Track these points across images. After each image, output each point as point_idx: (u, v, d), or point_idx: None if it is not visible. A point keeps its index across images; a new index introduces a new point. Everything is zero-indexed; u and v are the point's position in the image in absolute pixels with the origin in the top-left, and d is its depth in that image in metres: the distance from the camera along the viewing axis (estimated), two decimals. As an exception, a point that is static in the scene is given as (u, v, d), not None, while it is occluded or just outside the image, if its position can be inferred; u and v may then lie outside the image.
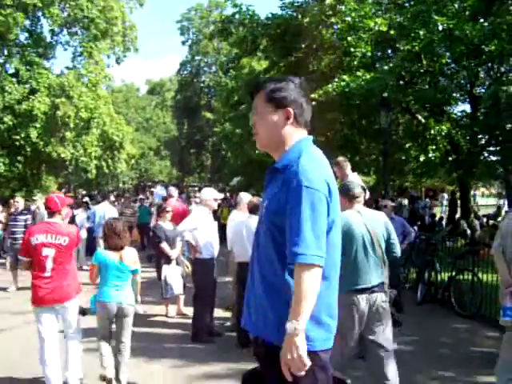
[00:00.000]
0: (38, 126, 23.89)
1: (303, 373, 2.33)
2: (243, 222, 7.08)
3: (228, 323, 7.94)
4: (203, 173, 57.96)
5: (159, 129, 63.15)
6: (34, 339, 5.48)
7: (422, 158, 14.48)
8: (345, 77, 13.27)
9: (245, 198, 7.80)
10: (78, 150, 26.22)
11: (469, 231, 16.34)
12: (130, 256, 5.56)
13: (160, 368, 6.16)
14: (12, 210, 12.49)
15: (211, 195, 7.53)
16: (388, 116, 13.76)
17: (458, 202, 19.20)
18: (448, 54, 13.54)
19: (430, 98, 14.20)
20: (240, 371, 3.24)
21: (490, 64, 14.79)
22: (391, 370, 4.80)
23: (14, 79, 24.73)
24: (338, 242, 2.59)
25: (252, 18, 15.92)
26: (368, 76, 12.96)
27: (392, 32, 13.62)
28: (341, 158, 7.48)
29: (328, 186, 2.47)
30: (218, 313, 8.04)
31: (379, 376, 4.78)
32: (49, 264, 5.26)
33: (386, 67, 13.29)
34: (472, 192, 36.10)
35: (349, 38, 14.03)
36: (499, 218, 18.34)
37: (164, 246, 8.42)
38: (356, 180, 7.41)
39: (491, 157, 16.02)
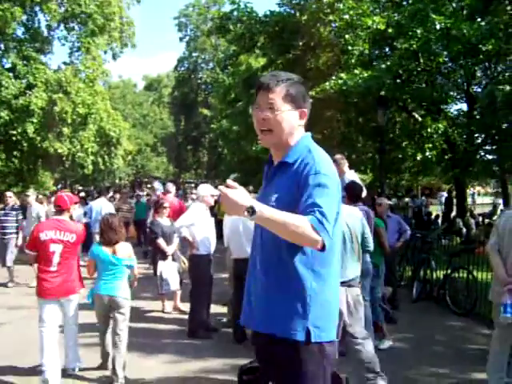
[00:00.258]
0: (34, 121, 23.86)
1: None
2: (240, 219, 7.09)
3: (224, 319, 7.97)
4: (200, 169, 57.96)
5: (156, 125, 63.08)
6: (33, 333, 5.53)
7: (418, 157, 14.53)
8: (342, 75, 13.30)
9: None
10: (75, 146, 26.20)
11: (464, 230, 16.41)
12: (124, 250, 5.68)
13: (156, 363, 6.19)
14: (3, 205, 12.47)
15: (208, 191, 7.55)
16: (385, 114, 13.81)
17: (454, 200, 19.27)
18: (445, 52, 13.58)
19: (426, 97, 14.26)
20: (236, 366, 3.29)
21: (486, 63, 14.85)
22: (369, 353, 5.08)
23: (10, 74, 24.66)
24: (337, 237, 2.59)
25: (250, 15, 15.93)
26: (365, 74, 12.99)
27: (390, 30, 13.65)
28: (338, 156, 7.51)
29: (338, 181, 2.54)
30: (215, 309, 8.07)
31: (357, 363, 5.07)
32: (55, 259, 5.49)
33: (383, 65, 13.28)
34: (471, 191, 36.23)
35: (346, 36, 14.06)
36: (495, 217, 18.38)
37: (160, 241, 8.44)
38: (353, 177, 7.46)
39: (487, 156, 16.08)
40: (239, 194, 2.31)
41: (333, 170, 2.53)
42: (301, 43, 15.66)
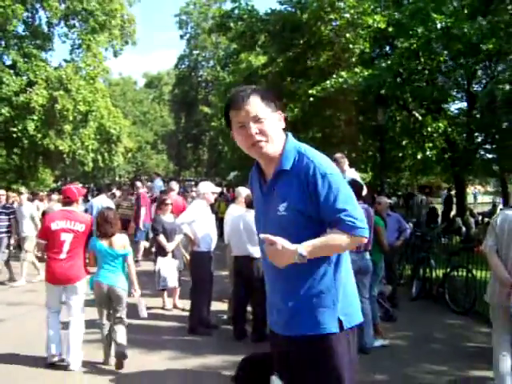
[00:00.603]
0: (35, 118, 23.85)
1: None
2: (241, 216, 7.14)
3: (224, 316, 8.00)
4: (200, 167, 57.98)
5: (156, 122, 63.08)
6: (35, 327, 5.57)
7: (419, 156, 14.56)
8: (343, 73, 13.33)
9: (243, 192, 7.85)
10: (76, 143, 26.20)
11: (464, 228, 16.43)
12: (119, 241, 5.95)
13: (157, 360, 6.22)
14: None
15: (208, 189, 7.59)
16: (385, 113, 13.86)
17: (454, 199, 19.27)
18: (446, 51, 13.61)
19: (427, 96, 14.28)
20: (236, 363, 3.30)
21: (487, 62, 14.86)
22: None
23: (11, 71, 24.65)
24: None
25: (251, 13, 15.95)
26: (366, 73, 13.01)
27: (390, 29, 13.68)
28: (338, 155, 7.54)
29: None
30: (215, 306, 8.10)
31: None
32: (65, 247, 5.86)
33: (383, 64, 13.31)
34: (473, 190, 36.22)
35: (347, 35, 14.09)
36: (494, 216, 18.38)
37: (161, 238, 8.46)
38: (354, 176, 7.50)
39: (487, 155, 16.11)
40: (284, 247, 2.44)
41: (332, 164, 2.60)
42: (301, 41, 15.67)
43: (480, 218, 20.54)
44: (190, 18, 51.86)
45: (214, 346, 6.67)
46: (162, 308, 8.65)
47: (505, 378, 4.76)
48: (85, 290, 6.07)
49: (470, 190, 33.32)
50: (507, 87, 13.53)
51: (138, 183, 15.69)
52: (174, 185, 12.47)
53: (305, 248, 2.43)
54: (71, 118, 24.69)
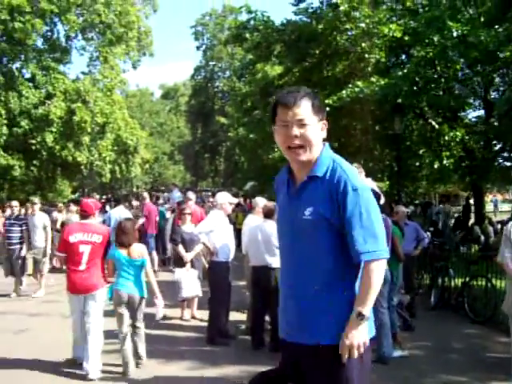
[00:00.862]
0: (53, 130, 24.15)
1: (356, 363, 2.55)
2: (258, 227, 7.15)
3: (243, 326, 8.00)
4: (217, 177, 58.14)
5: (173, 133, 63.43)
6: (54, 338, 5.62)
7: (436, 165, 14.48)
8: (359, 83, 13.31)
9: (260, 202, 7.87)
10: (93, 155, 26.44)
11: (482, 237, 16.29)
12: (137, 250, 6.17)
13: (175, 370, 6.24)
14: (8, 213, 12.26)
15: (226, 199, 7.62)
16: (402, 122, 13.81)
17: (472, 208, 19.12)
18: (462, 59, 13.54)
19: (443, 104, 14.21)
20: (254, 373, 3.30)
21: (504, 70, 14.75)
22: None
23: (30, 84, 25.02)
24: None
25: (266, 23, 15.99)
26: (382, 82, 12.98)
27: (406, 38, 13.65)
28: (355, 165, 7.49)
29: None
30: (233, 316, 8.11)
31: None
32: (84, 259, 6.05)
33: (399, 73, 13.28)
34: (493, 198, 35.83)
35: (363, 44, 14.06)
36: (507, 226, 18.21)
37: (180, 248, 8.49)
38: (371, 186, 7.47)
39: (505, 163, 15.98)
40: (356, 335, 2.50)
41: (360, 179, 2.64)
42: (317, 51, 15.67)
43: (499, 226, 20.35)
44: (206, 29, 52.23)
45: (233, 356, 6.67)
46: (180, 318, 8.66)
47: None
48: (104, 298, 6.21)
49: (488, 197, 33.02)
50: (525, 94, 13.45)
51: (145, 194, 15.75)
52: (191, 195, 12.52)
53: (359, 310, 2.50)
54: (89, 130, 24.98)
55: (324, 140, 2.74)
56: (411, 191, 22.92)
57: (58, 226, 15.06)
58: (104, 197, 37.84)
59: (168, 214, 15.64)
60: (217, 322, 7.31)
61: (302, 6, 15.90)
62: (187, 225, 8.82)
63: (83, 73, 28.29)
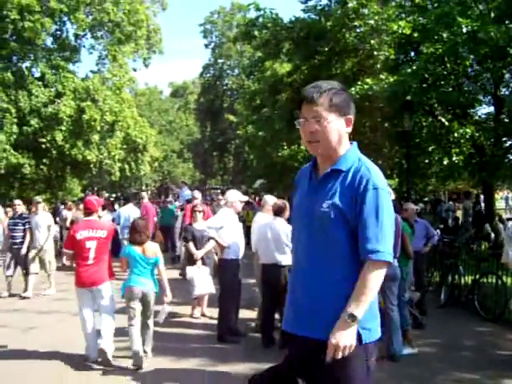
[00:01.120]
0: (63, 128, 24.23)
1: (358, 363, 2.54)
2: (268, 224, 7.16)
3: (253, 324, 8.02)
4: (226, 175, 58.19)
5: (182, 131, 63.45)
6: (65, 335, 5.66)
7: (445, 162, 14.42)
8: (368, 80, 13.29)
9: (270, 200, 7.88)
10: (103, 153, 26.52)
11: (493, 234, 16.21)
12: (151, 249, 6.44)
13: (186, 367, 6.26)
14: (12, 213, 12.10)
15: (237, 197, 7.62)
16: (411, 119, 13.76)
17: (482, 205, 19.01)
18: (472, 56, 13.47)
19: (453, 101, 14.13)
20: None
21: (515, 66, 14.66)
22: None
23: (40, 83, 25.10)
24: None
25: (275, 21, 15.97)
26: (391, 79, 12.95)
27: (415, 35, 13.59)
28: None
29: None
30: (243, 313, 8.12)
31: None
32: (91, 254, 6.35)
33: (409, 70, 13.21)
34: (505, 194, 35.59)
35: (372, 41, 14.02)
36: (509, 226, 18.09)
37: (190, 245, 8.54)
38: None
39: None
40: (344, 336, 2.47)
41: (384, 180, 2.65)
42: (326, 49, 15.64)
43: (510, 223, 20.21)
44: (215, 27, 52.22)
45: (243, 354, 6.69)
46: (191, 316, 8.68)
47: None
48: (112, 291, 6.52)
49: (499, 194, 32.79)
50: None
51: (143, 193, 15.78)
52: (197, 193, 12.68)
53: (350, 311, 2.47)
54: (98, 128, 25.04)
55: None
56: (421, 188, 22.84)
57: (68, 224, 15.17)
58: (114, 195, 37.99)
59: (178, 212, 15.70)
60: (227, 319, 7.33)
61: (311, 3, 15.89)
62: (199, 222, 8.85)
63: (92, 71, 28.35)
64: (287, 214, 6.90)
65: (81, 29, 26.34)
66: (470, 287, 9.38)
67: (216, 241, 7.45)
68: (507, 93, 15.59)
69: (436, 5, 14.30)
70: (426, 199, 28.50)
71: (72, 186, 33.88)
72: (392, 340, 6.45)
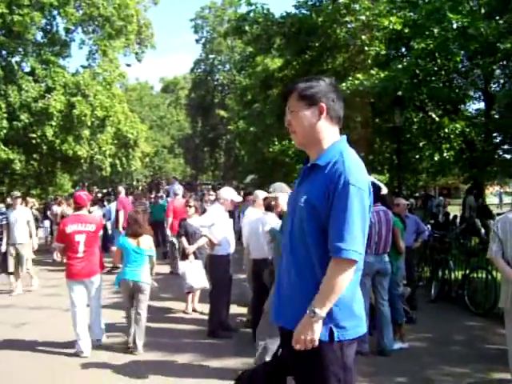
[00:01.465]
0: (53, 124, 24.09)
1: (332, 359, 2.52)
2: (259, 219, 7.16)
3: (244, 319, 8.02)
4: (217, 171, 58.20)
5: (173, 127, 63.35)
6: (56, 330, 5.67)
7: (436, 157, 14.46)
8: (359, 75, 13.29)
9: (260, 195, 7.87)
10: (93, 148, 26.42)
11: (483, 230, 16.29)
12: (146, 242, 6.73)
13: (178, 362, 6.27)
14: None
15: (230, 196, 7.59)
16: (402, 114, 13.78)
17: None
18: (462, 51, 13.51)
19: (444, 97, 14.18)
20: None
21: (505, 62, 14.71)
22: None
23: (30, 78, 24.95)
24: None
25: (266, 16, 15.94)
26: (382, 74, 12.95)
27: (406, 30, 13.60)
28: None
29: (368, 185, 2.61)
30: (234, 309, 8.13)
31: None
32: (81, 247, 6.57)
33: (399, 65, 13.22)
34: (498, 190, 35.69)
35: (363, 37, 14.02)
36: (494, 222, 18.14)
37: (183, 240, 8.57)
38: (369, 179, 7.48)
39: (506, 155, 15.96)
40: (304, 331, 2.48)
41: (361, 176, 2.58)
42: (317, 44, 15.63)
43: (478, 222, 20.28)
44: (206, 23, 52.12)
45: (234, 349, 6.70)
46: (183, 312, 8.67)
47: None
48: (100, 282, 6.83)
49: (489, 190, 32.82)
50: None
51: (120, 187, 15.74)
52: (177, 189, 12.77)
53: (313, 308, 2.46)
54: (89, 124, 24.93)
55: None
56: (411, 184, 22.91)
57: (59, 219, 15.14)
58: (104, 190, 37.89)
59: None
60: (218, 315, 7.34)
61: (302, -2, 15.86)
62: (192, 218, 8.85)
63: (83, 66, 28.22)
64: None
65: (71, 23, 26.18)
66: (460, 282, 9.43)
67: (209, 238, 7.46)
68: (497, 89, 15.67)
69: (427, 0, 14.32)
70: (417, 195, 28.58)
71: (62, 182, 33.76)
72: (383, 335, 6.48)
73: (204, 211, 10.14)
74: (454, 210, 22.91)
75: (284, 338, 2.77)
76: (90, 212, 14.08)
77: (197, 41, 52.75)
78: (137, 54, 30.60)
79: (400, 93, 13.14)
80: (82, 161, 26.61)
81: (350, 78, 13.32)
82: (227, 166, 50.42)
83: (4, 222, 10.73)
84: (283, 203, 5.53)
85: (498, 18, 12.59)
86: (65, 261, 6.93)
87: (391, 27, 13.40)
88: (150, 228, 7.26)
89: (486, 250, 9.23)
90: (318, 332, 2.47)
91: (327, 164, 2.62)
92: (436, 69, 13.98)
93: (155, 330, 7.27)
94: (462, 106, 16.00)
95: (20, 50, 25.44)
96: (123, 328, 7.27)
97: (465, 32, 12.23)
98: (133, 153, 29.97)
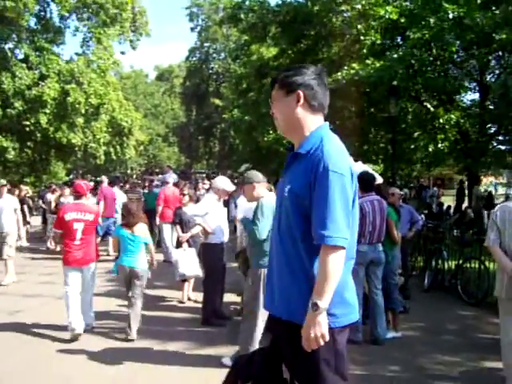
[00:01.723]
0: (47, 111, 23.99)
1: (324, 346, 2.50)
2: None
3: (237, 307, 8.03)
4: (211, 159, 58.10)
5: (167, 115, 63.18)
6: (50, 318, 5.66)
7: (430, 148, 14.48)
8: (354, 65, 13.27)
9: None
10: (87, 136, 26.33)
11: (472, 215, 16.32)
12: (141, 229, 6.93)
13: (172, 350, 6.27)
14: None
15: (223, 185, 7.55)
16: (397, 104, 13.77)
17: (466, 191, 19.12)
18: (458, 42, 13.48)
19: (439, 87, 14.17)
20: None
21: (500, 52, 14.70)
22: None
23: (23, 65, 24.79)
24: (355, 224, 2.69)
25: (262, 4, 15.90)
26: (377, 64, 12.93)
27: (402, 20, 13.58)
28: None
29: (351, 171, 2.58)
30: (228, 297, 8.14)
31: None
32: (78, 235, 6.78)
33: (395, 55, 13.20)
34: (493, 181, 35.74)
35: (358, 26, 13.99)
36: (493, 210, 18.17)
37: (177, 228, 8.66)
38: (363, 168, 7.48)
39: (500, 146, 15.97)
40: (312, 327, 2.45)
41: (342, 161, 2.55)
42: (312, 33, 15.61)
43: (485, 212, 20.36)
44: (201, 10, 51.82)
45: (227, 337, 6.70)
46: (179, 301, 8.65)
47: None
48: (96, 270, 7.14)
49: (486, 181, 32.85)
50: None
51: (103, 177, 15.69)
52: (168, 177, 12.91)
53: (314, 301, 2.45)
54: (83, 111, 24.84)
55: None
56: (406, 174, 22.95)
57: (53, 207, 15.10)
58: (98, 179, 37.79)
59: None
60: (211, 303, 7.35)
61: (298, -14, 15.81)
62: (188, 206, 8.84)
63: (77, 54, 28.08)
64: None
65: (65, 10, 26.00)
66: (453, 272, 9.48)
67: (203, 226, 7.46)
68: (493, 79, 15.66)
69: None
70: (411, 185, 28.64)
71: (56, 170, 33.67)
72: (376, 324, 6.51)
73: (198, 200, 10.15)
74: (448, 201, 23.03)
75: (275, 326, 2.79)
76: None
77: (192, 29, 52.52)
78: (131, 41, 30.42)
79: (395, 83, 13.12)
80: (76, 149, 26.55)
81: (346, 68, 13.31)
82: (222, 155, 50.37)
83: None
84: (261, 192, 5.53)
85: (493, 8, 12.55)
86: (59, 249, 7.14)
87: (387, 17, 13.38)
88: (144, 216, 7.29)
89: (479, 240, 9.37)
90: (325, 325, 2.45)
91: (308, 152, 2.62)
92: (431, 59, 13.96)
93: (149, 317, 7.28)
94: (457, 96, 15.98)
95: (14, 36, 25.26)
96: (116, 316, 7.43)
97: (461, 22, 12.21)
98: (127, 141, 29.91)
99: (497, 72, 15.88)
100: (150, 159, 60.62)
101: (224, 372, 3.12)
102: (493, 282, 8.10)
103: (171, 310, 8.22)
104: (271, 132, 17.80)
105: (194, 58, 53.37)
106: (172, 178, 13.81)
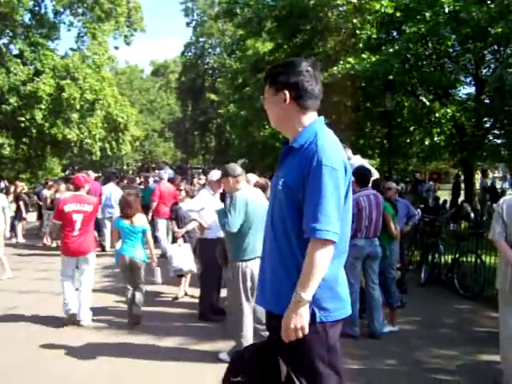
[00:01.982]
0: (42, 107, 23.93)
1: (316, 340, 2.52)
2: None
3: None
4: (207, 155, 58.00)
5: (163, 111, 63.08)
6: (47, 313, 5.65)
7: (426, 142, 14.48)
8: (350, 59, 13.24)
9: (252, 178, 7.84)
10: (83, 132, 26.28)
11: (472, 214, 16.37)
12: (139, 220, 7.14)
13: (168, 345, 6.27)
14: None
15: (213, 176, 7.59)
16: (393, 99, 13.77)
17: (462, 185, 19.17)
18: (454, 36, 13.47)
19: (435, 81, 14.17)
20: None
21: (496, 46, 14.69)
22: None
23: (18, 60, 24.70)
24: (348, 218, 2.69)
25: (257, -2, 15.86)
26: (373, 58, 12.91)
27: (398, 14, 13.54)
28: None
29: (344, 165, 2.57)
30: (224, 292, 8.12)
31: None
32: (77, 226, 6.98)
33: (391, 49, 13.19)
34: (491, 175, 35.75)
35: (354, 20, 13.96)
36: (499, 203, 18.22)
37: (173, 223, 8.82)
38: (361, 162, 7.48)
39: (496, 140, 16.00)
40: (293, 318, 2.46)
41: (335, 156, 2.55)
42: (308, 27, 15.58)
43: (489, 203, 20.42)
44: (196, 5, 51.66)
45: (224, 332, 6.69)
46: (176, 298, 8.63)
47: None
48: (95, 260, 7.35)
49: (478, 175, 32.83)
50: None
51: (90, 171, 15.66)
52: (163, 174, 13.00)
53: (298, 293, 2.44)
54: (78, 107, 24.78)
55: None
56: (402, 168, 22.98)
57: (49, 203, 15.08)
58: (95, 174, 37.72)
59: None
60: (208, 298, 7.34)
61: (294, -20, 15.72)
62: (185, 201, 8.83)
63: (72, 49, 28.00)
64: (268, 192, 6.88)
65: (60, 5, 25.91)
66: (449, 266, 9.49)
67: (198, 221, 7.44)
68: (488, 73, 15.66)
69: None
70: (408, 179, 28.67)
71: (52, 166, 33.60)
72: (373, 318, 6.51)
73: (193, 195, 10.13)
74: (444, 195, 23.05)
75: (268, 320, 2.82)
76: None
77: (187, 24, 52.34)
78: (126, 37, 30.33)
79: (391, 77, 13.11)
80: (72, 144, 26.47)
81: (341, 62, 13.29)
82: (218, 150, 50.25)
83: None
84: (238, 185, 5.54)
85: (489, 2, 12.53)
86: (55, 245, 7.10)
87: (383, 11, 13.34)
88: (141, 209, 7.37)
89: (476, 234, 9.39)
90: (306, 318, 2.46)
91: (302, 146, 2.62)
92: (427, 53, 13.96)
93: (145, 313, 7.26)
94: (453, 90, 16.00)
95: (8, 31, 25.16)
96: (113, 311, 7.50)
97: (456, 16, 12.18)
98: (123, 137, 29.87)
99: (492, 66, 15.86)
100: (145, 155, 60.54)
101: (221, 367, 3.13)
102: (489, 275, 8.18)
103: (168, 305, 8.21)
104: (267, 127, 17.80)
105: (190, 53, 53.21)
106: (167, 174, 13.81)
